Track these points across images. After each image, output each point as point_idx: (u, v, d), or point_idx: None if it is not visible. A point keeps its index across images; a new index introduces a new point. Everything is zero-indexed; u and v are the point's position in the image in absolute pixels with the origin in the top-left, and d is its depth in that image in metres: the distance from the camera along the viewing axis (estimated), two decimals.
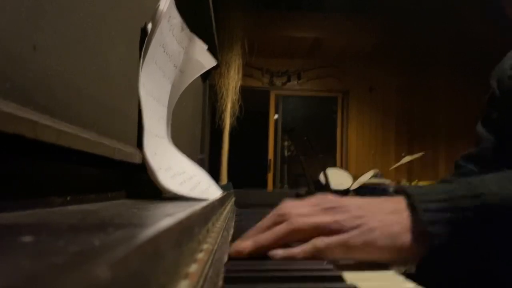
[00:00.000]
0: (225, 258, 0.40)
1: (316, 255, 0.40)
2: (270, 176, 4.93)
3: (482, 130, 0.76)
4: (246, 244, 0.41)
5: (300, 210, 0.43)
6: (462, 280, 0.42)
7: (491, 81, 0.76)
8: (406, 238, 0.40)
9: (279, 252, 0.40)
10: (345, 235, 0.40)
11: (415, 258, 0.41)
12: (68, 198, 0.35)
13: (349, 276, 0.34)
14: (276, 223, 0.43)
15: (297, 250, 0.40)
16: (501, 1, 0.66)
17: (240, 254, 0.40)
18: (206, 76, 1.49)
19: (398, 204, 0.43)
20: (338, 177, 3.75)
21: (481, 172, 0.45)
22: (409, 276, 0.38)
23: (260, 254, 0.41)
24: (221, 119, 4.09)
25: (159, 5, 0.59)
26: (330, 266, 0.38)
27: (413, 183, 3.87)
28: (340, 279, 0.33)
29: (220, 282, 0.30)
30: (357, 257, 0.41)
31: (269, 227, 0.43)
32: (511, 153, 0.67)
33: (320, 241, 0.40)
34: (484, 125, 0.77)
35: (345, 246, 0.40)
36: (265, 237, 0.41)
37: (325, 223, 0.41)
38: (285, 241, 0.42)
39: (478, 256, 0.39)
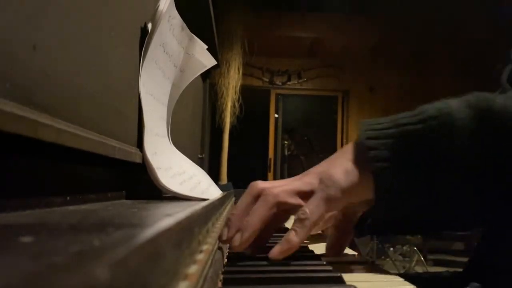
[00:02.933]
0: (224, 260, 0.40)
1: (308, 226, 0.40)
2: (270, 176, 4.93)
3: (505, 82, 0.71)
4: (236, 238, 0.40)
5: (273, 183, 0.44)
6: (410, 214, 0.42)
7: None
8: (359, 170, 0.41)
9: (276, 250, 0.40)
10: (318, 192, 0.41)
11: (368, 192, 0.41)
12: (68, 198, 0.35)
13: (348, 278, 0.34)
14: (253, 202, 0.43)
15: (290, 236, 0.40)
16: None
17: (237, 250, 0.41)
18: (206, 75, 1.49)
19: (347, 146, 0.45)
20: None
21: None
22: (408, 277, 0.38)
23: (257, 240, 0.41)
24: (221, 118, 4.09)
25: (159, 5, 0.59)
26: (330, 267, 0.38)
27: None
28: (340, 280, 0.33)
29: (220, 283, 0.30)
30: (338, 209, 0.43)
31: (248, 207, 0.43)
32: None
33: (300, 213, 0.40)
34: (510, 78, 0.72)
35: (326, 201, 0.40)
36: (251, 222, 0.41)
37: (298, 187, 0.42)
38: (270, 218, 0.42)
39: (419, 164, 0.39)
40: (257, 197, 0.43)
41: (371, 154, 0.39)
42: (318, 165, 0.45)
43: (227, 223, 0.42)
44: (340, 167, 0.42)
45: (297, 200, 0.41)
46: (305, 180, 0.42)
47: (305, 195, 0.41)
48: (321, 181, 0.42)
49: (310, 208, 0.40)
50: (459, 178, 0.38)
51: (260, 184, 0.45)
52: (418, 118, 0.40)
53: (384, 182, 0.39)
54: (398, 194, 0.40)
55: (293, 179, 0.45)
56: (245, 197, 0.44)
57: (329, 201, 0.40)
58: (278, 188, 0.42)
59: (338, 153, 0.45)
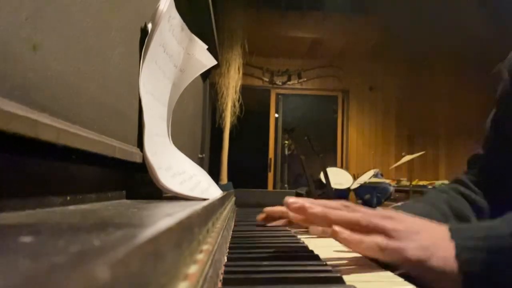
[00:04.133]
0: (225, 259, 0.40)
1: (372, 253, 0.41)
2: (270, 176, 4.93)
3: (490, 129, 0.74)
4: (317, 209, 0.42)
5: (367, 210, 0.45)
6: None
7: (502, 71, 0.73)
8: (450, 266, 0.40)
9: (344, 231, 0.41)
10: (403, 243, 0.41)
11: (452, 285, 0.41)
12: (68, 198, 0.35)
13: (348, 278, 0.34)
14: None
15: (360, 237, 0.41)
16: None
17: (304, 210, 0.43)
18: (207, 75, 1.49)
19: (444, 231, 0.44)
20: (338, 177, 3.75)
21: (488, 175, 0.46)
22: (408, 277, 0.38)
23: (324, 222, 0.43)
24: (222, 118, 4.09)
25: (159, 5, 0.59)
26: (330, 268, 0.38)
27: (413, 183, 3.87)
28: (340, 280, 0.33)
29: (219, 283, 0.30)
30: (404, 268, 0.41)
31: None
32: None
33: (382, 240, 0.41)
34: (493, 122, 0.75)
35: (401, 254, 0.40)
36: (334, 213, 0.43)
37: (386, 228, 0.42)
38: (346, 227, 0.43)
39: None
40: (350, 209, 0.45)
41: (468, 268, 0.40)
42: (409, 218, 0.46)
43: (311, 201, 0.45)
44: (436, 249, 0.41)
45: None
46: (395, 227, 0.43)
47: (388, 237, 0.42)
48: (414, 240, 0.41)
49: (389, 248, 0.41)
50: None
51: (355, 205, 0.47)
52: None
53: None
54: None
55: (383, 215, 0.45)
56: (337, 205, 0.47)
57: (404, 259, 0.40)
58: (372, 217, 0.44)
59: (434, 227, 0.45)
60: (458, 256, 0.40)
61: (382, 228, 0.42)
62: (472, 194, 0.71)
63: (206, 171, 0.83)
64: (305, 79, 4.96)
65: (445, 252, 0.41)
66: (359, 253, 0.42)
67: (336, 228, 0.41)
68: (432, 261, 0.40)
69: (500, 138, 0.72)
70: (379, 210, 0.47)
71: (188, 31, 0.70)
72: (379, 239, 0.41)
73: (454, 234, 0.43)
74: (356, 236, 0.41)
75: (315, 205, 0.44)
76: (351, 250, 0.44)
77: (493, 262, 0.40)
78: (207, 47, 0.77)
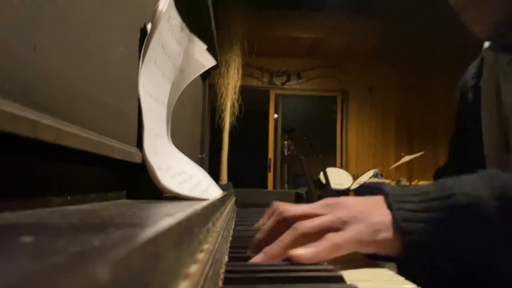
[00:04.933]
0: (225, 259, 0.40)
1: (334, 252, 0.40)
2: (270, 176, 4.93)
3: (451, 148, 0.83)
4: (259, 258, 0.41)
5: (299, 211, 0.44)
6: (439, 273, 0.44)
7: (456, 95, 0.81)
8: (388, 233, 0.42)
9: (300, 252, 0.39)
10: (351, 230, 0.41)
11: (395, 252, 0.42)
12: (68, 198, 0.35)
13: (348, 277, 0.34)
14: (278, 227, 0.44)
15: (317, 248, 0.40)
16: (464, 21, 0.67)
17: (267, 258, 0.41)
18: (206, 75, 1.49)
19: (380, 202, 0.45)
20: (338, 177, 3.75)
21: None
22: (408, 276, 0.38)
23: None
24: (221, 118, 4.09)
25: (158, 5, 0.59)
26: (330, 267, 0.38)
27: (413, 183, 3.88)
28: (341, 279, 0.33)
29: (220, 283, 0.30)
30: (364, 251, 0.43)
31: (272, 231, 0.44)
32: (475, 165, 0.70)
33: (336, 237, 0.40)
34: (452, 141, 0.84)
35: (355, 240, 0.41)
36: (276, 248, 0.41)
37: (330, 222, 0.42)
38: (293, 247, 0.41)
39: (449, 252, 0.42)
40: (284, 222, 0.44)
41: (407, 238, 0.41)
42: (347, 200, 0.45)
43: (252, 244, 0.44)
44: (376, 217, 0.43)
45: (324, 234, 0.42)
46: (338, 215, 0.43)
47: (336, 229, 0.42)
48: (357, 220, 0.42)
49: (346, 241, 0.41)
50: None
51: (287, 210, 0.45)
52: (448, 204, 0.42)
53: (412, 259, 0.42)
54: (425, 263, 0.43)
55: (322, 205, 0.45)
56: (272, 222, 0.45)
57: (361, 243, 0.41)
58: (309, 222, 0.42)
59: (371, 202, 0.45)
60: (395, 222, 0.42)
61: (326, 225, 0.42)
62: None
63: (206, 171, 0.83)
64: (305, 80, 4.97)
65: (381, 222, 0.42)
66: (325, 260, 0.41)
67: (291, 253, 0.40)
68: (376, 235, 0.42)
69: (459, 155, 0.80)
70: (314, 204, 0.46)
71: (188, 31, 0.70)
72: (334, 238, 0.40)
73: (390, 199, 0.44)
74: (311, 250, 0.40)
75: (264, 253, 0.41)
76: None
77: (429, 220, 0.41)
78: (206, 47, 0.77)
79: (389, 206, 0.44)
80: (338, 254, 0.40)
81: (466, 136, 0.77)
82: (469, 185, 0.43)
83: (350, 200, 0.46)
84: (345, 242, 0.41)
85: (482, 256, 0.41)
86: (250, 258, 0.41)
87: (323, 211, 0.44)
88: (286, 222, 0.43)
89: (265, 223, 0.73)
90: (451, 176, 0.59)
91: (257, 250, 0.42)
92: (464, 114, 0.79)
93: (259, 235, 0.45)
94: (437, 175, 0.87)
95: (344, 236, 0.41)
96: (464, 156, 0.77)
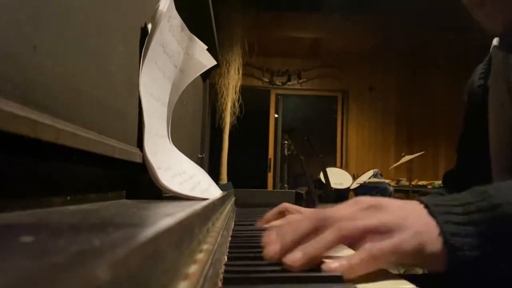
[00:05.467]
0: (225, 259, 0.40)
1: (372, 265, 0.37)
2: (270, 176, 4.93)
3: (458, 150, 0.82)
4: (297, 257, 0.37)
5: (341, 213, 0.41)
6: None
7: (463, 96, 0.81)
8: (435, 247, 0.39)
9: (336, 265, 0.36)
10: (395, 238, 0.38)
11: (439, 267, 0.39)
12: (68, 198, 0.35)
13: (348, 277, 0.34)
14: (317, 228, 0.40)
15: (355, 260, 0.37)
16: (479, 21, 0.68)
17: (291, 267, 0.37)
18: (206, 75, 1.49)
19: (422, 210, 0.42)
20: (338, 177, 3.75)
21: (460, 189, 0.45)
22: (408, 277, 0.38)
23: (312, 264, 0.38)
24: (221, 118, 4.09)
25: (159, 5, 0.59)
26: None
27: (412, 183, 3.88)
28: (340, 279, 0.33)
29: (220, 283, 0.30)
30: (406, 262, 0.39)
31: (310, 232, 0.40)
32: (481, 167, 0.70)
33: (374, 248, 0.37)
34: (460, 144, 0.83)
35: (398, 250, 0.38)
36: (317, 247, 0.38)
37: (373, 226, 0.39)
38: (333, 247, 0.39)
39: (500, 266, 0.39)
40: (324, 222, 0.40)
41: (456, 254, 0.39)
42: (391, 202, 0.42)
43: (281, 241, 0.40)
44: (422, 227, 0.40)
45: (367, 238, 0.39)
46: (383, 220, 0.39)
47: (380, 235, 0.39)
48: (402, 227, 0.39)
49: (386, 251, 0.37)
50: None
51: (328, 211, 0.41)
52: (494, 215, 0.39)
53: (464, 275, 0.40)
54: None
55: (364, 207, 0.41)
56: (310, 221, 0.41)
57: (405, 254, 0.38)
58: (352, 223, 0.39)
59: (411, 211, 0.42)
60: (445, 237, 0.39)
61: (370, 229, 0.39)
62: None
63: (206, 171, 0.83)
64: (305, 80, 4.97)
65: (430, 232, 0.39)
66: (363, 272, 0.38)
67: (325, 267, 0.37)
68: (427, 245, 0.39)
69: (469, 155, 0.79)
70: (356, 199, 0.43)
71: (188, 31, 0.70)
72: (372, 248, 0.37)
73: (432, 210, 0.41)
74: (351, 261, 0.37)
75: (302, 252, 0.38)
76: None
77: (478, 234, 0.39)
78: (207, 47, 0.77)
79: (433, 216, 0.40)
80: (377, 267, 0.38)
81: (474, 137, 0.77)
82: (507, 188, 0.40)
83: (392, 203, 0.42)
84: (386, 253, 0.37)
85: None
86: (249, 256, 0.41)
87: (364, 213, 0.41)
88: (324, 222, 0.40)
89: (270, 219, 0.73)
90: (460, 180, 0.57)
91: (277, 250, 0.39)
92: (472, 114, 0.79)
93: (289, 233, 0.41)
94: (447, 179, 0.87)
95: (385, 245, 0.38)
96: (472, 157, 0.77)
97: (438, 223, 0.39)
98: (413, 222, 0.39)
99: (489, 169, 0.69)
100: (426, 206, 0.41)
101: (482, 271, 0.39)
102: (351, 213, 0.41)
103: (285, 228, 0.42)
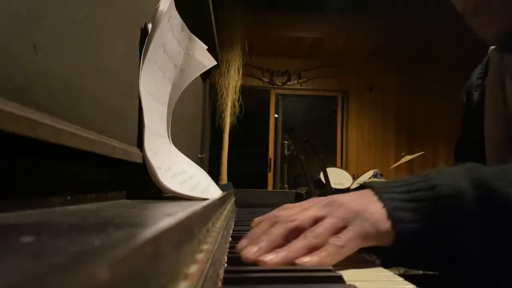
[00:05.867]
0: (225, 259, 0.40)
1: (339, 254, 0.41)
2: (270, 176, 4.93)
3: (456, 152, 0.86)
4: (273, 258, 0.40)
5: (300, 220, 0.44)
6: (432, 260, 0.47)
7: (462, 97, 0.81)
8: (386, 224, 0.43)
9: (306, 260, 0.39)
10: (353, 226, 0.42)
11: (390, 242, 0.44)
12: (68, 198, 0.35)
13: (348, 277, 0.34)
14: (285, 236, 0.43)
15: (322, 254, 0.40)
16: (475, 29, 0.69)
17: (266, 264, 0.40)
18: (206, 75, 1.49)
19: (371, 195, 0.47)
20: (338, 177, 3.75)
21: None
22: (408, 277, 0.38)
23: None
24: (221, 118, 4.09)
25: (159, 5, 0.59)
26: (330, 267, 0.38)
27: None
28: (340, 279, 0.33)
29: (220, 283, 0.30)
30: (369, 244, 0.44)
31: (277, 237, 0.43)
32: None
33: (338, 240, 0.41)
34: (458, 145, 0.86)
35: (361, 236, 0.42)
36: (292, 252, 0.40)
37: (333, 224, 0.43)
38: (287, 240, 0.42)
39: (438, 239, 0.44)
40: (288, 231, 0.44)
41: (400, 226, 0.43)
42: (341, 196, 0.47)
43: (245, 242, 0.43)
44: (372, 209, 0.44)
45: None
46: (337, 216, 0.43)
47: (337, 231, 0.43)
48: (357, 215, 0.43)
49: (346, 239, 0.41)
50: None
51: (283, 210, 0.47)
52: (432, 194, 0.44)
53: (407, 247, 0.44)
54: (418, 251, 0.45)
55: (318, 208, 0.45)
56: (266, 222, 0.46)
57: (365, 238, 0.42)
58: (305, 212, 0.44)
59: (361, 198, 0.47)
60: (388, 211, 0.44)
61: (333, 228, 0.42)
62: None
63: (206, 171, 0.83)
64: (305, 80, 4.97)
65: (378, 213, 0.44)
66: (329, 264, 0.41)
67: (300, 263, 0.39)
68: (379, 224, 0.43)
69: (465, 158, 0.78)
70: (311, 200, 0.47)
71: (188, 31, 0.70)
72: (333, 243, 0.41)
73: (379, 192, 0.46)
74: (316, 258, 0.40)
75: (277, 255, 0.40)
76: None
77: (417, 210, 0.44)
78: (207, 47, 0.77)
79: (380, 198, 0.45)
80: (344, 255, 0.41)
81: (472, 137, 0.77)
82: (451, 176, 0.45)
83: (343, 197, 0.46)
84: (349, 242, 0.41)
85: (466, 243, 0.43)
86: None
87: (322, 212, 0.44)
88: (293, 231, 0.43)
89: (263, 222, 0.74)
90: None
91: (253, 250, 0.41)
92: (470, 115, 0.79)
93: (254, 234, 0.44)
94: None
95: (347, 236, 0.42)
96: (469, 158, 0.78)
97: (382, 200, 0.45)
98: (364, 208, 0.44)
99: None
100: (373, 189, 0.47)
101: (423, 244, 0.44)
102: (311, 217, 0.44)
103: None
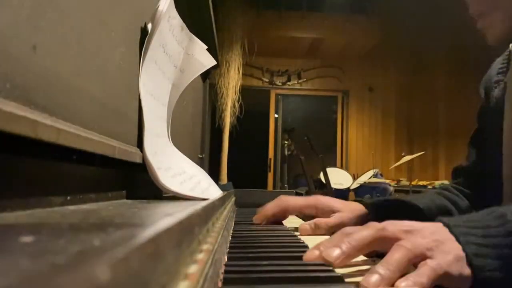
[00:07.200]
0: (225, 259, 0.40)
1: (434, 280, 0.37)
2: (270, 176, 4.93)
3: (470, 145, 0.84)
4: (380, 279, 0.36)
5: (388, 233, 0.41)
6: None
7: (480, 91, 0.80)
8: (463, 267, 0.39)
9: (408, 283, 0.35)
10: (444, 259, 0.38)
11: (464, 286, 0.40)
12: (68, 198, 0.35)
13: (348, 277, 0.34)
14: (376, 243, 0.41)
15: (422, 279, 0.36)
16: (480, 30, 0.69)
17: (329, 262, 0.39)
18: (206, 75, 1.49)
19: (446, 232, 0.42)
20: (338, 177, 3.76)
21: (470, 184, 0.46)
22: None
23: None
24: (221, 118, 4.09)
25: (159, 5, 0.59)
26: (330, 267, 0.38)
27: (413, 183, 3.88)
28: (340, 280, 0.33)
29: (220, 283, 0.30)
30: (445, 284, 0.39)
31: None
32: (492, 164, 0.70)
33: (435, 265, 0.37)
34: (472, 138, 0.84)
35: (447, 271, 0.38)
36: (394, 268, 0.36)
37: (423, 248, 0.39)
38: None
39: None
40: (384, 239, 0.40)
41: (480, 275, 0.39)
42: (423, 225, 0.43)
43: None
44: (455, 250, 0.40)
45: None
46: (424, 243, 0.39)
47: (423, 254, 0.39)
48: (442, 249, 0.39)
49: (441, 270, 0.37)
50: None
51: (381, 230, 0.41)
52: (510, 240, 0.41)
53: None
54: None
55: (398, 232, 0.41)
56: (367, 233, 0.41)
57: (449, 277, 0.38)
58: (413, 243, 0.39)
59: (439, 233, 0.42)
60: (468, 257, 0.40)
61: (421, 252, 0.38)
62: (454, 197, 0.80)
63: (206, 171, 0.83)
64: (305, 80, 4.97)
65: (458, 255, 0.40)
66: None
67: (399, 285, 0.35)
68: (460, 269, 0.39)
69: (481, 151, 0.80)
70: (389, 225, 0.42)
71: (188, 31, 0.70)
72: (433, 265, 0.37)
73: (453, 230, 0.42)
74: (419, 279, 0.36)
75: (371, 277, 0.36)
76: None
77: (497, 257, 0.40)
78: (207, 47, 0.77)
79: (457, 239, 0.41)
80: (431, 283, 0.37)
81: (488, 132, 0.76)
82: None
83: (422, 226, 0.42)
84: (440, 271, 0.37)
85: None
86: (249, 256, 0.41)
87: (402, 236, 0.41)
88: (384, 240, 0.40)
89: (266, 211, 0.74)
90: (470, 175, 0.56)
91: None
92: (487, 110, 0.78)
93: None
94: (456, 174, 0.87)
95: (439, 264, 0.37)
96: (484, 153, 0.78)
97: (459, 242, 0.40)
98: (448, 245, 0.40)
99: (500, 166, 0.69)
100: (447, 226, 0.42)
101: None
102: (392, 237, 0.40)
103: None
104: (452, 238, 0.41)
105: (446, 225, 0.43)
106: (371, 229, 0.41)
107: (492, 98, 0.76)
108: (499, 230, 0.41)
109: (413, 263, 0.38)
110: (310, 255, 0.40)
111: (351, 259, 0.40)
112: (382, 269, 0.35)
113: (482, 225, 0.43)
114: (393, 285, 0.35)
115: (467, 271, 0.39)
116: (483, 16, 0.68)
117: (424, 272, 0.36)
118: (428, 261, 0.38)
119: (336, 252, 0.39)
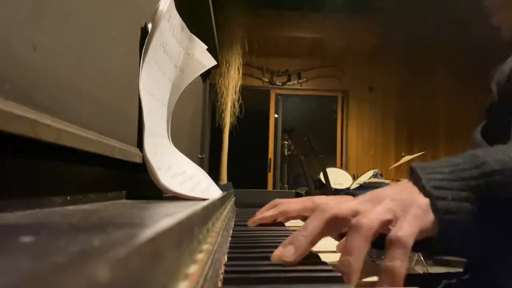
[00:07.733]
0: (225, 259, 0.40)
1: (409, 250, 0.36)
2: (270, 176, 4.93)
3: (479, 138, 0.80)
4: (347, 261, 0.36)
5: (345, 210, 0.40)
6: (476, 245, 0.41)
7: (491, 85, 0.79)
8: (430, 213, 0.39)
9: (391, 263, 0.35)
10: (415, 218, 0.38)
11: (434, 229, 0.40)
12: (68, 198, 0.35)
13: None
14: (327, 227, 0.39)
15: (395, 267, 0.35)
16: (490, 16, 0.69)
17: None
18: (206, 75, 1.49)
19: (410, 185, 0.42)
20: (338, 177, 3.75)
21: None
22: (408, 277, 0.38)
23: None
24: (221, 118, 4.09)
25: (159, 5, 0.59)
26: (330, 267, 0.38)
27: None
28: (340, 280, 0.33)
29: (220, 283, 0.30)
30: (423, 237, 0.39)
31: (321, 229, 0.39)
32: None
33: (403, 236, 0.36)
34: (482, 133, 0.81)
35: (421, 228, 0.38)
36: (356, 249, 0.36)
37: (387, 214, 0.38)
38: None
39: (485, 221, 0.39)
40: (330, 221, 0.39)
41: (439, 204, 0.39)
42: (384, 191, 0.42)
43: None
44: (420, 199, 0.40)
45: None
46: (386, 207, 0.39)
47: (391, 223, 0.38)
48: (410, 206, 0.39)
49: (405, 232, 0.36)
50: None
51: (332, 209, 0.40)
52: (480, 172, 0.40)
53: (450, 233, 0.39)
54: (461, 243, 0.40)
55: (363, 203, 0.40)
56: (316, 221, 0.39)
57: (422, 230, 0.38)
58: (368, 221, 0.38)
59: (400, 189, 0.42)
60: (426, 190, 0.40)
61: (387, 219, 0.38)
62: None
63: (206, 171, 0.83)
64: (305, 80, 4.97)
65: (423, 203, 0.40)
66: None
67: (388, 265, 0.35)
68: (427, 218, 0.39)
69: (490, 145, 0.77)
70: (350, 200, 0.41)
71: (188, 31, 0.70)
72: (404, 244, 0.36)
73: (418, 172, 0.42)
74: (397, 262, 0.35)
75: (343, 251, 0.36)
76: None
77: (462, 190, 0.40)
78: (207, 47, 0.77)
79: (419, 181, 0.41)
80: (408, 246, 0.36)
81: (499, 127, 0.76)
82: (501, 152, 0.41)
83: (387, 190, 0.42)
84: (409, 235, 0.36)
85: None
86: (249, 256, 0.41)
87: (368, 206, 0.39)
88: (336, 221, 0.39)
89: (263, 215, 0.73)
90: None
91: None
92: (499, 105, 0.77)
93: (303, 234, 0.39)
94: None
95: (409, 229, 0.37)
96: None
97: (421, 179, 0.41)
98: (411, 203, 0.39)
99: None
100: (412, 170, 0.42)
101: (472, 227, 0.39)
102: (357, 210, 0.39)
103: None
104: (413, 187, 0.41)
105: (412, 169, 0.43)
106: (318, 213, 0.39)
107: (507, 93, 0.75)
108: (468, 164, 0.41)
109: (381, 232, 0.37)
110: (272, 257, 0.39)
111: (306, 253, 0.38)
112: (350, 259, 0.35)
113: (451, 163, 0.43)
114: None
115: (431, 215, 0.39)
116: (501, 8, 0.67)
117: (396, 257, 0.35)
118: (396, 239, 0.36)
119: (290, 251, 0.37)
